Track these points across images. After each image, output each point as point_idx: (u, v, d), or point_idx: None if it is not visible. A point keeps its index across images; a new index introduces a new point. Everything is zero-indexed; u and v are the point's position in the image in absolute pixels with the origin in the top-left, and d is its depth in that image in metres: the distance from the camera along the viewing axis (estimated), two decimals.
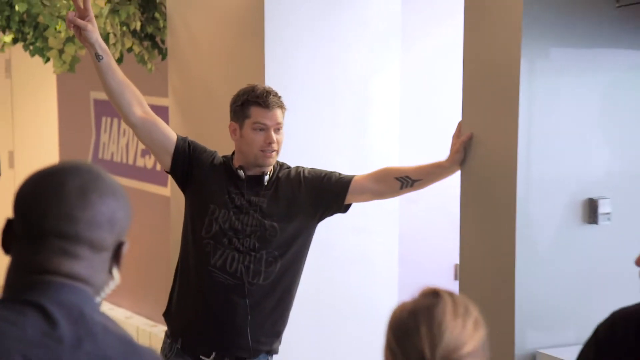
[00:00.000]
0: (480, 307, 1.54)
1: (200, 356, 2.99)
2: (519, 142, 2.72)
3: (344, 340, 4.03)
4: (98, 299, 1.46)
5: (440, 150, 3.07)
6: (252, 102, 2.95)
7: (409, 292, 1.54)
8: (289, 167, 3.07)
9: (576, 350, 2.12)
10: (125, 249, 1.49)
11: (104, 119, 5.80)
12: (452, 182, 3.07)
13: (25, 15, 4.54)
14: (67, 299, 1.41)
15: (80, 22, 2.86)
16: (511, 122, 2.74)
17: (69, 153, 6.27)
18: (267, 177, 2.99)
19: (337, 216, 3.10)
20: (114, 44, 4.41)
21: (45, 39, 4.52)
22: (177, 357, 3.01)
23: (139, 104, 2.96)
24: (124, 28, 4.45)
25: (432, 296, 1.51)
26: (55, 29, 4.43)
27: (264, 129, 2.95)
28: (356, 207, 3.09)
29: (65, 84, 6.20)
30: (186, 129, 4.18)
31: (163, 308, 3.14)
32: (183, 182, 3.05)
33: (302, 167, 3.07)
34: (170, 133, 3.03)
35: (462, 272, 3.00)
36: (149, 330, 5.27)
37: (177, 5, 4.37)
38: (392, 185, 3.00)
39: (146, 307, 5.46)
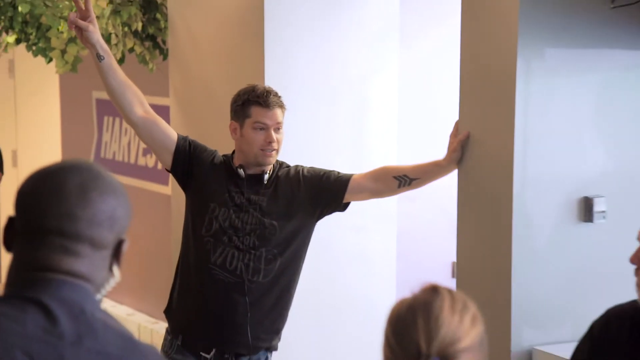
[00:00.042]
0: (477, 304, 1.55)
1: (201, 353, 3.00)
2: (516, 141, 2.74)
3: (343, 337, 4.03)
4: (99, 296, 1.46)
5: (437, 149, 3.08)
6: (253, 102, 2.97)
7: (406, 290, 1.55)
8: (288, 166, 3.08)
9: (572, 347, 2.14)
10: (125, 247, 1.49)
11: (106, 118, 5.82)
12: (450, 181, 3.08)
13: (28, 16, 4.55)
14: (68, 296, 1.41)
15: (81, 23, 2.88)
16: (508, 121, 2.75)
17: (72, 152, 6.29)
18: (266, 176, 3.00)
19: (336, 215, 3.11)
20: (116, 44, 4.43)
21: (48, 40, 4.54)
22: (178, 354, 3.02)
23: (140, 104, 2.98)
24: (126, 28, 4.46)
25: (431, 292, 1.52)
26: (58, 29, 4.45)
27: (264, 128, 2.96)
28: (355, 206, 3.10)
29: (68, 83, 6.21)
30: (187, 128, 4.19)
31: (164, 305, 3.15)
32: (184, 181, 3.07)
33: (301, 166, 3.08)
34: (171, 132, 3.04)
35: (460, 269, 3.01)
36: (150, 327, 5.28)
37: (177, 6, 4.38)
38: (390, 184, 3.01)
39: (148, 304, 5.47)
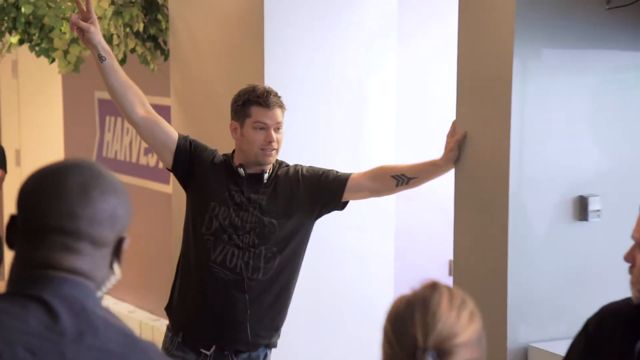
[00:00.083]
0: (474, 302, 1.56)
1: (201, 349, 3.02)
2: (512, 140, 2.74)
3: (341, 334, 4.04)
4: (99, 294, 1.47)
5: (435, 149, 3.09)
6: (253, 102, 2.98)
7: (404, 288, 1.56)
8: (287, 166, 3.10)
9: (567, 344, 2.14)
10: (125, 245, 1.48)
11: (107, 118, 5.84)
12: (447, 180, 3.10)
13: (31, 17, 4.57)
14: (69, 293, 1.42)
15: (83, 24, 2.88)
16: (504, 121, 2.76)
17: (74, 151, 6.31)
18: (266, 175, 3.01)
19: (335, 213, 3.12)
20: (118, 45, 4.45)
21: (51, 40, 4.57)
22: (178, 351, 3.03)
23: (141, 104, 2.99)
24: (127, 29, 4.49)
25: (430, 288, 1.54)
26: (60, 30, 4.48)
27: (264, 128, 2.98)
28: (353, 205, 3.11)
29: (70, 84, 6.23)
30: (188, 127, 4.20)
31: (165, 303, 3.16)
32: (184, 180, 3.08)
33: (301, 166, 3.09)
34: (172, 132, 3.05)
35: (456, 268, 3.02)
36: (151, 324, 5.30)
37: (178, 7, 4.39)
38: (388, 183, 3.03)
39: (149, 301, 5.50)
